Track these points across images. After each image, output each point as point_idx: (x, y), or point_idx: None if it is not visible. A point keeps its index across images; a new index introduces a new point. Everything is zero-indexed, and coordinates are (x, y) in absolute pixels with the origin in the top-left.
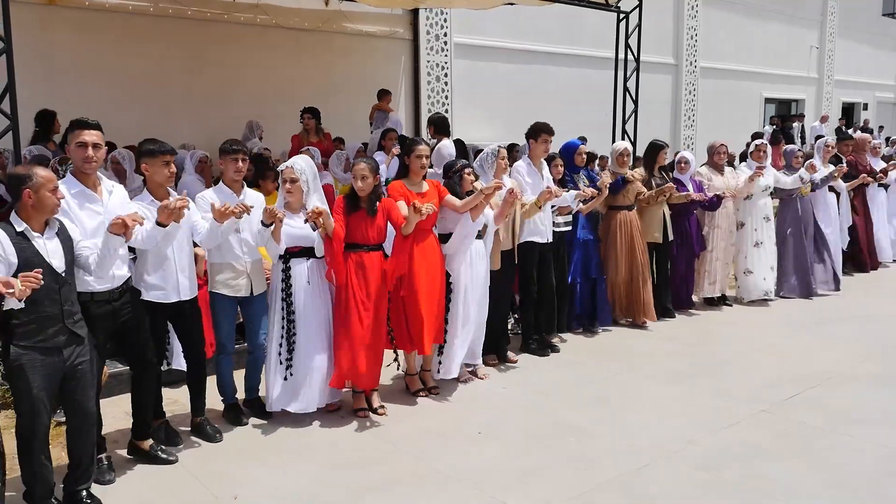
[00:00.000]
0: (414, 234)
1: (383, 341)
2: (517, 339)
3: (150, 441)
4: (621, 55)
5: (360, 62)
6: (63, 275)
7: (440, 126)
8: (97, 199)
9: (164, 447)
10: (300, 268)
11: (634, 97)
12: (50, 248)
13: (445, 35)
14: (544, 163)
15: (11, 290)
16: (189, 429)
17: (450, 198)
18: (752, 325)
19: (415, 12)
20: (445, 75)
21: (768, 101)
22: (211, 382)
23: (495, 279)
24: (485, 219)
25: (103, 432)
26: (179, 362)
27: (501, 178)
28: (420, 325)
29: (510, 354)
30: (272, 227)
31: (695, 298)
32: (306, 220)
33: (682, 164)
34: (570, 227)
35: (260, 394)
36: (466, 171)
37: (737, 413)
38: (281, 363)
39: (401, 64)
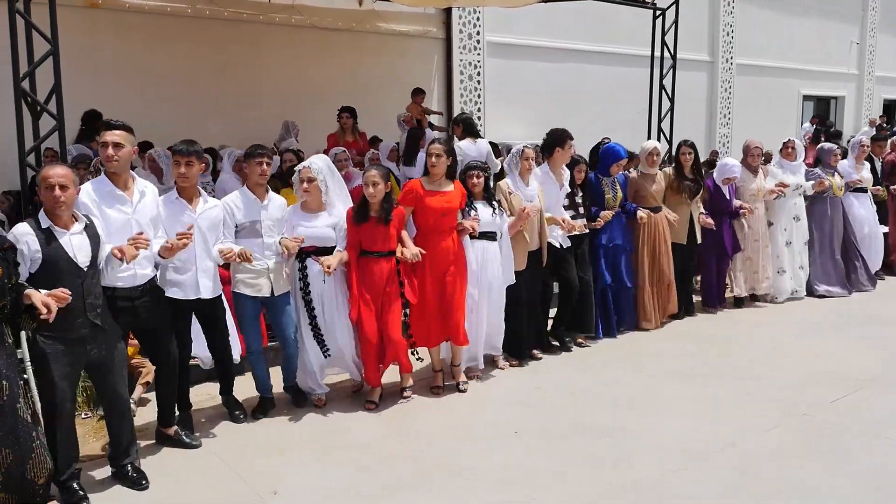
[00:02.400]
0: (430, 234)
1: (397, 332)
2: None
3: (175, 427)
4: (657, 52)
5: (393, 61)
6: (85, 269)
7: (468, 126)
8: (126, 200)
9: (188, 433)
10: (316, 266)
11: (670, 95)
12: (75, 243)
13: (478, 34)
14: (565, 170)
15: (47, 312)
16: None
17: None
18: (783, 326)
19: (448, 11)
20: (478, 74)
21: (806, 98)
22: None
23: (519, 279)
24: (501, 224)
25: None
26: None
27: (527, 178)
28: (427, 323)
29: (535, 352)
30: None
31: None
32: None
33: (731, 180)
34: (587, 231)
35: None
36: (474, 174)
37: (772, 415)
38: (321, 351)
39: (433, 63)
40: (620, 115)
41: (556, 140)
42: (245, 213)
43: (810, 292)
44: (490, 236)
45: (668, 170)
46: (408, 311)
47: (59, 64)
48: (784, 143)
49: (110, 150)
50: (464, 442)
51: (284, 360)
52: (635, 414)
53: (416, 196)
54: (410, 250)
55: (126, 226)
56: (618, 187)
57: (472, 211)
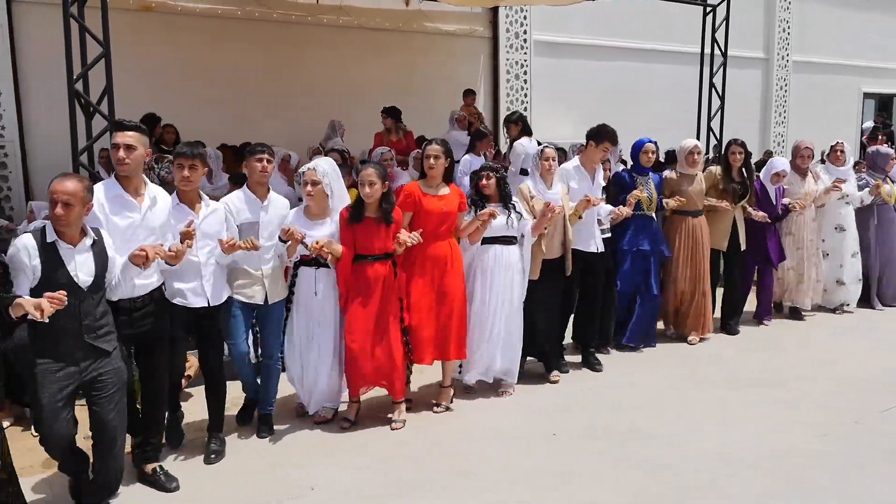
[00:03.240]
0: (428, 238)
1: (395, 351)
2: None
3: (154, 465)
4: (707, 50)
5: (440, 61)
6: (85, 289)
7: (525, 124)
8: (135, 206)
9: (167, 473)
10: (307, 277)
11: (720, 93)
12: (79, 261)
13: (525, 33)
14: (599, 167)
15: (40, 313)
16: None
17: (459, 215)
18: (827, 335)
19: (495, 10)
20: (525, 73)
21: (867, 96)
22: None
23: (533, 290)
24: (521, 228)
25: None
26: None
27: (549, 180)
28: (418, 336)
29: (553, 373)
30: (289, 243)
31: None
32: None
33: (780, 178)
34: (608, 235)
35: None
36: (483, 174)
37: (821, 423)
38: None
39: (480, 62)
40: (670, 114)
41: (594, 135)
42: (245, 213)
43: (880, 303)
44: (505, 240)
45: (714, 169)
46: (407, 337)
47: (110, 66)
48: (832, 146)
49: (121, 153)
50: (495, 446)
51: (263, 374)
52: (673, 420)
53: (414, 200)
54: (408, 235)
55: (133, 233)
56: (652, 186)
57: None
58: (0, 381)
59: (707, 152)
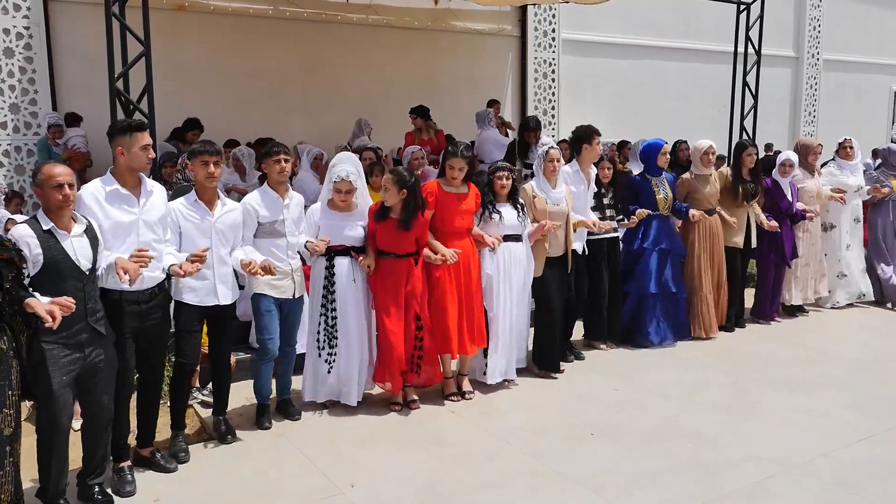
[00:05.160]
0: (447, 236)
1: (408, 343)
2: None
3: (152, 448)
4: (740, 48)
5: (468, 60)
6: (88, 273)
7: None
8: (133, 200)
9: (164, 454)
10: (344, 266)
11: (754, 92)
12: (77, 246)
13: (554, 31)
14: (593, 168)
15: (53, 320)
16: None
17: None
18: (848, 332)
19: (523, 9)
20: (553, 72)
21: None
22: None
23: (548, 287)
24: (521, 227)
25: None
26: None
27: (553, 180)
28: (445, 328)
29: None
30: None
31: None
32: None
33: (786, 167)
34: (618, 234)
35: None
36: (503, 175)
37: (864, 427)
38: (320, 356)
39: (508, 61)
40: (699, 113)
41: (583, 136)
42: (267, 212)
43: (884, 299)
44: (516, 238)
45: (724, 170)
46: (421, 332)
47: (150, 65)
48: (840, 142)
49: (150, 153)
50: (548, 442)
51: (282, 365)
52: (727, 419)
53: (434, 199)
54: (446, 250)
55: (133, 227)
56: (668, 187)
57: (496, 214)
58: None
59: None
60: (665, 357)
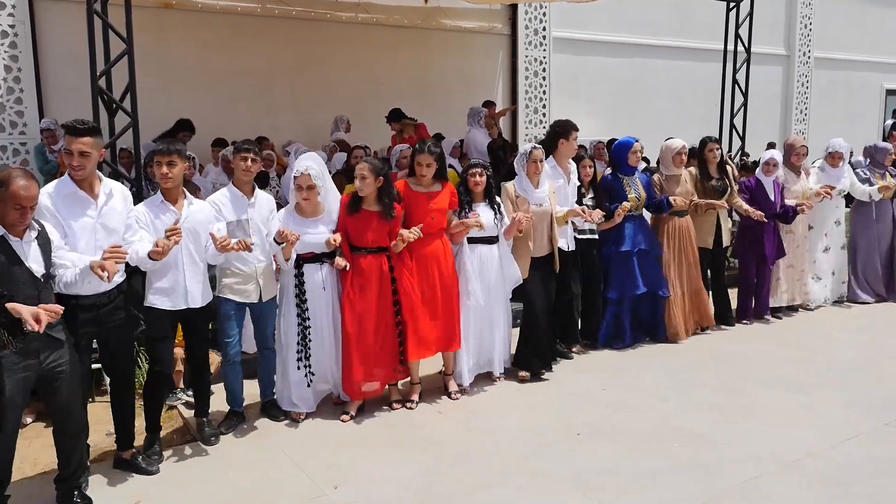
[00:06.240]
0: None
1: (389, 346)
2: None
3: (132, 451)
4: (730, 46)
5: (458, 58)
6: (42, 279)
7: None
8: (91, 203)
9: (146, 457)
10: (315, 274)
11: (744, 90)
12: (31, 253)
13: (544, 29)
14: (572, 163)
15: (38, 324)
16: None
17: (449, 214)
18: (834, 331)
19: (513, 7)
20: (544, 70)
21: (890, 92)
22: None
23: (533, 287)
24: (499, 229)
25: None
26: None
27: (535, 180)
28: (415, 330)
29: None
30: (283, 245)
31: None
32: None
33: (770, 166)
34: (595, 236)
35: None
36: (476, 171)
37: (850, 426)
38: (299, 368)
39: (498, 59)
40: (690, 111)
41: (560, 131)
42: (231, 210)
43: (853, 299)
44: (490, 240)
45: (693, 169)
46: (401, 328)
47: (133, 63)
48: (830, 152)
49: (76, 161)
50: (539, 442)
51: (261, 367)
52: (707, 420)
53: (402, 197)
54: (408, 231)
55: (92, 230)
56: (640, 186)
57: (471, 211)
58: None
59: (729, 150)
60: (654, 358)
